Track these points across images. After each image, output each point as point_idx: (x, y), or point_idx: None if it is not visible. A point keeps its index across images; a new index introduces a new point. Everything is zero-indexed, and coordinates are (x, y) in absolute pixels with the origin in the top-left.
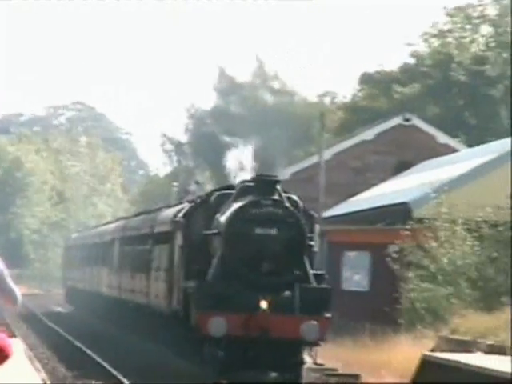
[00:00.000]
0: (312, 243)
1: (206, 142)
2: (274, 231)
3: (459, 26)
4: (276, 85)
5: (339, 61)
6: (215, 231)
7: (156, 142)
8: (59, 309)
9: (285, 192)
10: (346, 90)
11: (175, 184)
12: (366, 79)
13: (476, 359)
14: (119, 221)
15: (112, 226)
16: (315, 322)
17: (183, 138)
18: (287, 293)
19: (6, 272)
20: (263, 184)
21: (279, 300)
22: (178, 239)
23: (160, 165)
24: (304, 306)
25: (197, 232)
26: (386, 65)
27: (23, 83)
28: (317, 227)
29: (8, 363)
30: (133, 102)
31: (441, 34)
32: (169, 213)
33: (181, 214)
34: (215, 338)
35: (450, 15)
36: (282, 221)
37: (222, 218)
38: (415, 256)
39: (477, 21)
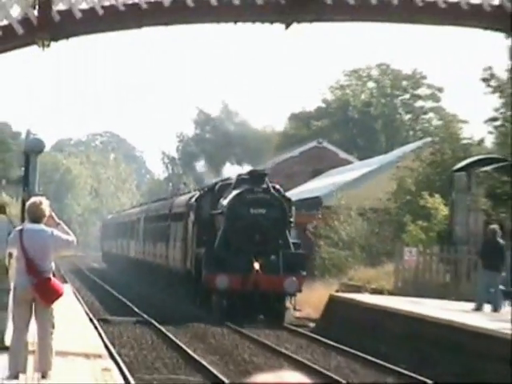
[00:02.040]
0: (291, 220)
1: (189, 157)
2: (263, 211)
3: (354, 82)
4: (236, 119)
5: (276, 102)
6: (219, 211)
7: (158, 156)
8: (97, 265)
9: (270, 182)
10: (281, 122)
11: (170, 184)
12: (294, 116)
13: (364, 297)
14: (142, 205)
15: (137, 209)
16: (295, 279)
17: (175, 155)
18: (273, 257)
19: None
20: (255, 176)
21: (268, 263)
22: (191, 217)
23: (160, 172)
24: (286, 266)
25: (205, 212)
26: (306, 107)
27: (73, 117)
28: (293, 208)
29: (62, 299)
30: (143, 130)
31: (341, 87)
32: (183, 198)
33: (193, 199)
34: (220, 291)
35: (347, 75)
36: (269, 203)
37: (225, 202)
38: (324, 230)
39: (365, 79)
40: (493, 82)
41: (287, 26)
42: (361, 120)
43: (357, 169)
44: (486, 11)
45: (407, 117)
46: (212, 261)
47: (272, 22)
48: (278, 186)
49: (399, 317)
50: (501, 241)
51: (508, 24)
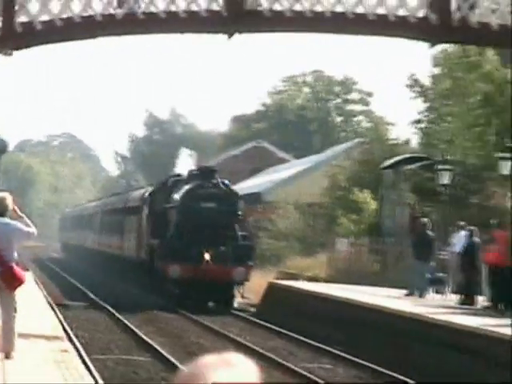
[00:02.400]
0: (240, 213)
1: (139, 156)
2: (213, 205)
3: (290, 87)
4: (184, 121)
5: (220, 105)
6: (172, 205)
7: (111, 155)
8: (56, 255)
9: (220, 178)
10: (224, 124)
11: (123, 181)
12: (236, 119)
13: (300, 284)
14: (99, 200)
15: (94, 203)
16: (243, 269)
17: (127, 154)
18: (223, 248)
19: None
20: (206, 172)
21: (217, 253)
22: (145, 211)
23: (114, 170)
24: (235, 257)
25: (159, 206)
26: (247, 110)
27: (33, 119)
28: (241, 202)
29: (24, 286)
30: (98, 132)
31: (279, 92)
32: (138, 193)
33: (147, 194)
34: (173, 280)
35: (284, 81)
36: (219, 198)
37: (177, 196)
38: (264, 223)
39: (301, 84)
40: (416, 88)
41: (230, 36)
42: (297, 122)
43: (293, 167)
44: (412, 23)
45: (339, 119)
46: (165, 251)
47: (216, 33)
48: (227, 181)
49: (332, 302)
50: (430, 233)
51: (432, 34)
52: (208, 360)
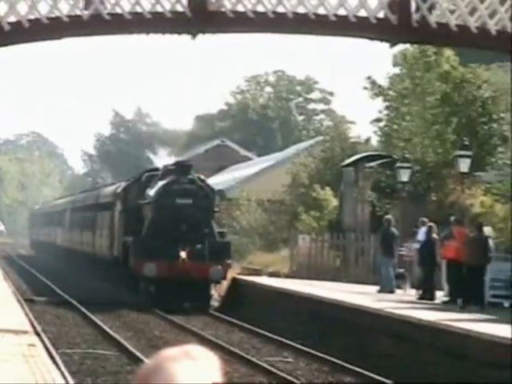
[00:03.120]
0: (216, 209)
1: (106, 155)
2: (189, 201)
3: (253, 87)
4: (149, 120)
5: (184, 104)
6: (147, 201)
7: (78, 154)
8: (25, 252)
9: (196, 173)
10: (189, 123)
11: (89, 179)
12: (199, 118)
13: (263, 279)
14: (68, 196)
15: (63, 200)
16: (220, 267)
17: (93, 152)
18: (199, 246)
19: None
20: (181, 167)
21: (194, 251)
22: (118, 207)
23: (80, 168)
24: (211, 255)
25: (132, 202)
26: (210, 109)
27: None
28: (217, 198)
29: None
30: (65, 131)
31: (242, 92)
32: (110, 189)
33: (120, 189)
34: (148, 278)
35: (247, 81)
36: (195, 194)
37: (151, 192)
38: (228, 219)
39: (263, 84)
40: (374, 90)
41: (193, 37)
42: (259, 121)
43: (256, 165)
44: (372, 23)
45: (301, 118)
46: (140, 249)
47: (180, 33)
48: (202, 177)
49: (294, 297)
50: (393, 229)
51: (392, 35)
52: (170, 353)
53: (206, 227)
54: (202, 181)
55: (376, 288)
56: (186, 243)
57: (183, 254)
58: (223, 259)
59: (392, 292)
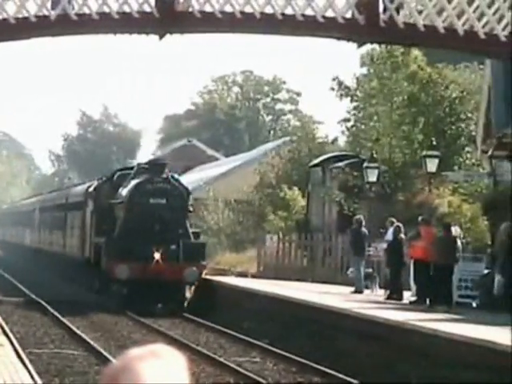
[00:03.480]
0: (191, 209)
1: (73, 155)
2: (163, 201)
3: (220, 87)
4: (116, 120)
5: (152, 104)
6: (119, 201)
7: (46, 154)
8: None
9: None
10: (157, 123)
11: (56, 179)
12: (167, 118)
13: (230, 280)
14: (37, 196)
15: (32, 199)
16: (195, 268)
17: (61, 152)
18: (173, 247)
19: None
20: (155, 166)
21: (168, 252)
22: (90, 206)
23: (48, 168)
24: (186, 256)
25: (104, 201)
26: (178, 109)
27: None
28: (191, 197)
29: None
30: (32, 131)
31: (209, 92)
32: (81, 188)
33: (91, 188)
34: (120, 280)
35: (214, 81)
36: (169, 193)
37: (124, 191)
38: (195, 219)
39: (230, 84)
40: (341, 91)
41: (161, 37)
42: (227, 121)
43: (223, 165)
44: (340, 23)
45: (268, 118)
46: (112, 250)
47: (147, 33)
48: (176, 176)
49: (261, 297)
50: (364, 229)
51: (360, 35)
52: (136, 352)
53: (181, 228)
54: (176, 180)
55: (345, 288)
56: (159, 244)
57: (157, 256)
58: (198, 260)
59: (361, 292)
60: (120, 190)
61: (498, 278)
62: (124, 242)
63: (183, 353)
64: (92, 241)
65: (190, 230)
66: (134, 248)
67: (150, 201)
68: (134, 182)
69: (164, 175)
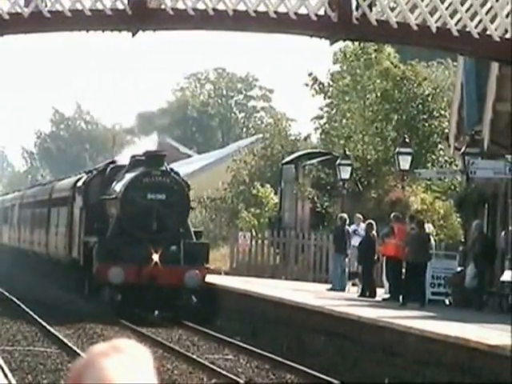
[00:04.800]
0: (192, 206)
1: (46, 152)
2: (162, 196)
3: (193, 84)
4: (89, 118)
5: (125, 102)
6: (113, 197)
7: (18, 152)
8: None
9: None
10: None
11: (29, 176)
12: (140, 115)
13: None
14: (16, 192)
15: (10, 195)
16: (197, 271)
17: (34, 150)
18: (173, 247)
19: None
20: (153, 158)
21: (167, 253)
22: (78, 202)
23: (21, 165)
24: (187, 258)
25: (95, 197)
26: (150, 107)
27: None
28: (191, 193)
29: None
30: (4, 128)
31: (182, 89)
32: (67, 182)
33: (80, 183)
34: (114, 285)
35: (187, 78)
36: (169, 188)
37: (118, 186)
38: None
39: (203, 81)
40: (315, 87)
41: (134, 34)
42: (199, 118)
43: (196, 162)
44: (313, 20)
45: (241, 115)
46: (104, 251)
47: (120, 30)
48: (176, 169)
49: (234, 294)
50: (347, 227)
51: (332, 32)
52: (100, 348)
53: (182, 226)
54: (176, 173)
55: (319, 285)
56: (158, 244)
57: (155, 257)
58: (201, 263)
59: (342, 290)
60: (113, 184)
61: (469, 271)
62: (118, 243)
63: (156, 350)
64: (81, 240)
65: (192, 229)
66: (129, 249)
67: (148, 196)
68: (129, 176)
69: (163, 168)
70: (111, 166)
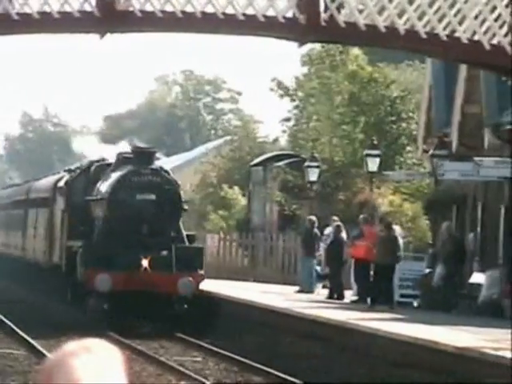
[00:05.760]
0: (186, 207)
1: (14, 154)
2: (153, 197)
3: (161, 86)
4: (56, 120)
5: (93, 104)
6: (98, 197)
7: None
8: None
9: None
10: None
11: None
12: (107, 118)
13: None
14: None
15: None
16: (191, 278)
17: (2, 152)
18: (165, 252)
19: None
20: (141, 155)
21: (158, 259)
22: (60, 204)
23: None
24: (180, 263)
25: (79, 197)
26: (119, 109)
27: None
28: (182, 193)
29: None
30: None
31: (150, 92)
32: (46, 181)
33: (62, 182)
34: (100, 293)
35: (155, 80)
36: (160, 188)
37: (104, 186)
38: None
39: (171, 84)
40: (280, 91)
41: (102, 36)
42: (167, 121)
43: (164, 164)
44: (281, 23)
45: (209, 117)
46: (91, 256)
47: (88, 33)
48: (165, 167)
49: (202, 297)
50: (316, 230)
51: (300, 34)
52: (69, 348)
53: (174, 229)
54: (167, 172)
55: (287, 288)
56: (148, 249)
57: (145, 263)
58: (194, 269)
59: (311, 292)
60: (99, 184)
61: (438, 270)
62: (105, 247)
63: (124, 352)
64: (63, 245)
65: (184, 233)
66: (117, 254)
67: (137, 197)
68: (116, 175)
69: (153, 166)
70: (96, 163)
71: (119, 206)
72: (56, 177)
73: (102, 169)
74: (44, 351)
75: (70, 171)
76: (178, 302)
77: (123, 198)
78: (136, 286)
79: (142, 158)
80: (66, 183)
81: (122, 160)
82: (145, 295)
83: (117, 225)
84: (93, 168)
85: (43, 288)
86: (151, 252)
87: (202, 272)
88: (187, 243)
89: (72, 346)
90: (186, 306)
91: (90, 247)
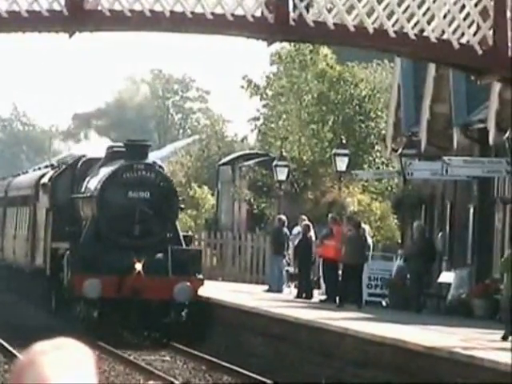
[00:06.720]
0: (182, 206)
1: None
2: (146, 195)
3: (129, 85)
4: (25, 119)
5: (62, 103)
6: (86, 195)
7: None
8: None
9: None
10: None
11: None
12: (76, 116)
13: None
14: None
15: None
16: (188, 283)
17: None
18: (160, 255)
19: None
20: (135, 149)
21: (153, 262)
22: (44, 202)
23: None
24: (176, 267)
25: (64, 195)
26: (87, 108)
27: None
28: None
29: None
30: None
31: (118, 91)
32: (27, 178)
33: (46, 179)
34: (89, 299)
35: (124, 79)
36: (154, 185)
37: (93, 183)
38: None
39: (139, 83)
40: (250, 89)
41: (70, 35)
42: (136, 120)
43: None
44: (250, 22)
45: (178, 116)
46: (78, 259)
47: (57, 32)
48: (159, 163)
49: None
50: (285, 229)
51: (269, 33)
52: (41, 347)
53: (169, 230)
54: (161, 167)
55: (256, 287)
56: (141, 252)
57: (138, 267)
58: (192, 273)
59: (279, 291)
60: (87, 180)
61: (409, 274)
62: (94, 250)
63: (93, 351)
64: (48, 246)
65: (181, 234)
66: (107, 257)
67: (129, 194)
68: (106, 170)
69: (146, 161)
70: (84, 159)
71: (110, 205)
72: (39, 173)
73: (90, 164)
74: (13, 350)
75: (53, 167)
76: (175, 309)
77: (114, 196)
78: (128, 292)
79: (134, 151)
80: (51, 179)
81: (112, 154)
82: (138, 302)
83: (107, 225)
84: (80, 163)
85: (25, 294)
86: (145, 255)
87: (200, 276)
88: (185, 245)
89: (43, 344)
90: (183, 313)
91: (78, 249)
